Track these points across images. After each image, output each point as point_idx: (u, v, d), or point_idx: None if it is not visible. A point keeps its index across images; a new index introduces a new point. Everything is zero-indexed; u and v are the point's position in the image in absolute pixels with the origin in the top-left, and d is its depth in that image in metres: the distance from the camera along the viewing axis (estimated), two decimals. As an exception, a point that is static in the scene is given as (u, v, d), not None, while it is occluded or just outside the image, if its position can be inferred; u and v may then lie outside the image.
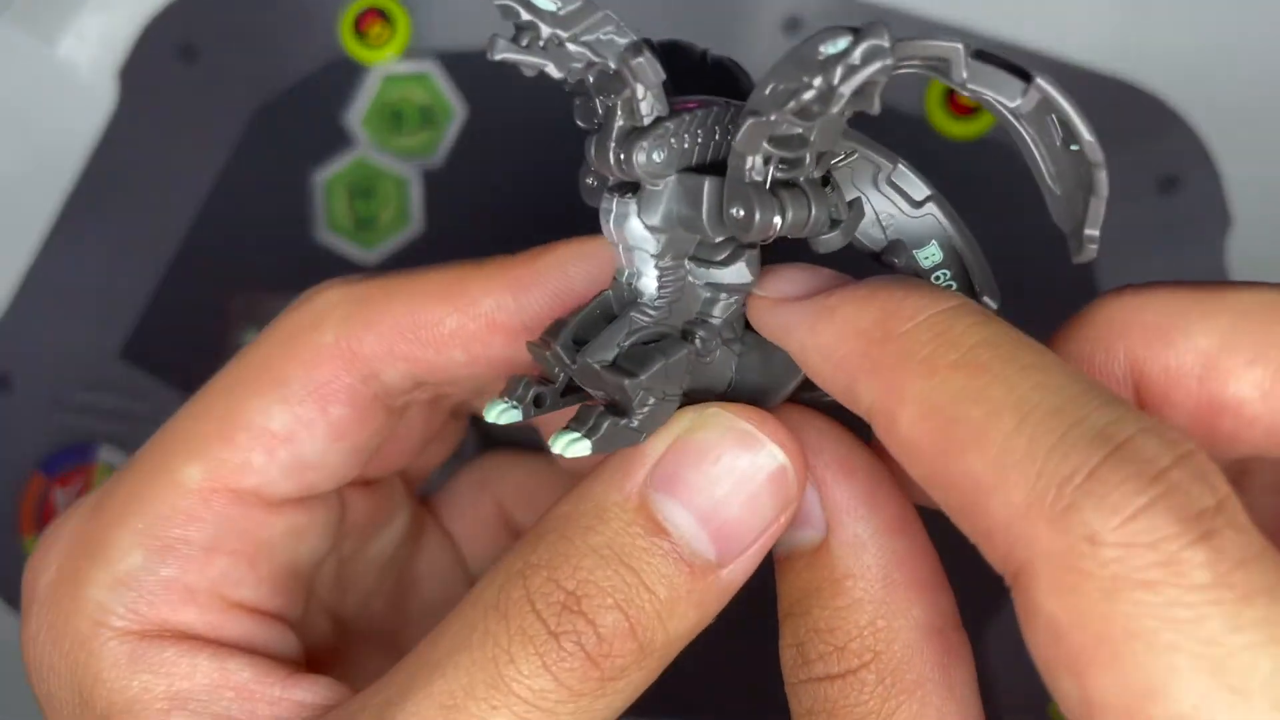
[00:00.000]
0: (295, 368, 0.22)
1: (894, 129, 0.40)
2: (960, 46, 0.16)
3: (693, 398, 0.19)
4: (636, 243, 0.17)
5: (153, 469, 0.22)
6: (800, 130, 0.16)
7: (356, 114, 0.41)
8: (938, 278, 0.20)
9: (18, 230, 0.41)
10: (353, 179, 0.41)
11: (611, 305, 0.18)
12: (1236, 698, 0.14)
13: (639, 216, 0.17)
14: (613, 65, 0.16)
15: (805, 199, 0.17)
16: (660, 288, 0.18)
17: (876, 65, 0.15)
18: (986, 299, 0.20)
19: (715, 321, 0.18)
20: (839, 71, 0.15)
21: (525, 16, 0.15)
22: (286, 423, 0.22)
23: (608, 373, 0.18)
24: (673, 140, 0.17)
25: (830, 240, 0.18)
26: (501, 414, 0.19)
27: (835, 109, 0.15)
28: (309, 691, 0.21)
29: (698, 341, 0.18)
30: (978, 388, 0.16)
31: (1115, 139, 0.40)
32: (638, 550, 0.18)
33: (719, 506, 0.19)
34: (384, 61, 0.41)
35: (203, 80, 0.41)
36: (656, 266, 0.18)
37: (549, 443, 0.19)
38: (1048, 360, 0.16)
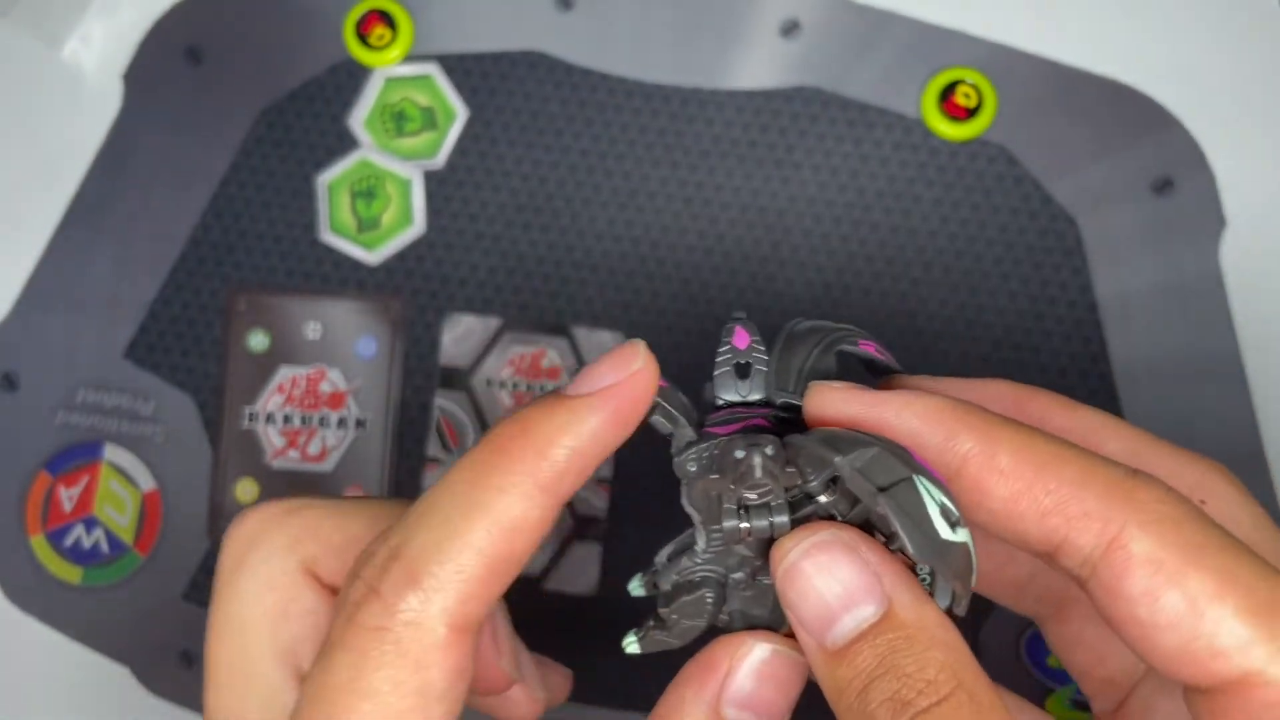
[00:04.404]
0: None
1: (891, 131, 0.40)
2: (848, 466, 0.21)
3: (753, 622, 0.23)
4: (690, 513, 0.23)
5: None
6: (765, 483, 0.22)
7: (359, 116, 0.41)
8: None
9: (24, 231, 0.41)
10: (355, 180, 0.41)
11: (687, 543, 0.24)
12: None
13: (685, 499, 0.23)
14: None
15: (766, 513, 0.22)
16: (708, 546, 0.23)
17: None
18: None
19: (738, 575, 0.23)
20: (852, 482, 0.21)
21: None
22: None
23: (661, 598, 0.24)
24: (702, 455, 0.23)
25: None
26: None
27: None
28: None
29: (722, 587, 0.23)
30: None
31: (1110, 141, 0.40)
32: None
33: None
34: (387, 64, 0.41)
35: (207, 82, 0.42)
36: (705, 529, 0.23)
37: (623, 642, 0.24)
38: None
